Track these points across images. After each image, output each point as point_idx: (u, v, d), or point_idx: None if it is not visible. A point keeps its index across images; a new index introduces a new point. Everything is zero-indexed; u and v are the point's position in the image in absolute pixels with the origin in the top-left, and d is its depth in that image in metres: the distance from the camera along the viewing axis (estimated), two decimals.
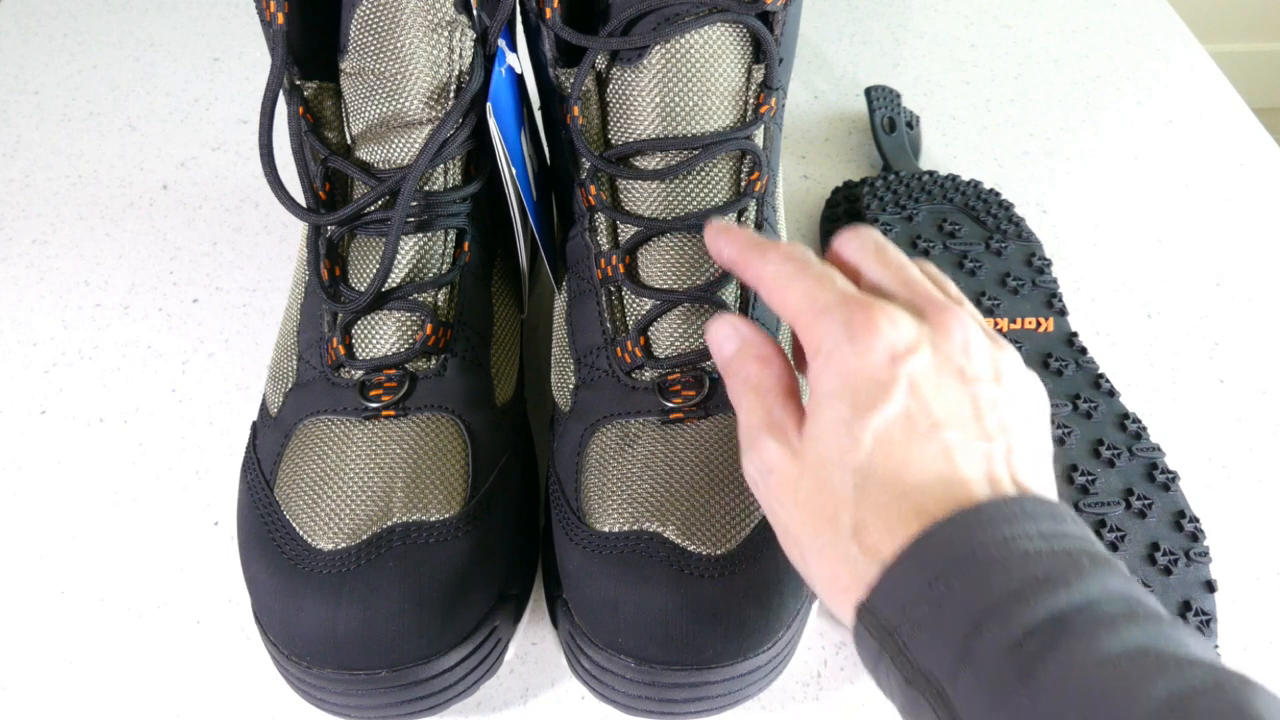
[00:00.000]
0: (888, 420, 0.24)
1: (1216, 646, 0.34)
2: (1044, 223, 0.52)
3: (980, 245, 0.46)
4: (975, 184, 0.48)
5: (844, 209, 0.49)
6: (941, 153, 0.56)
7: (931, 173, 0.48)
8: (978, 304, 0.43)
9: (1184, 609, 0.35)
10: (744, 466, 0.28)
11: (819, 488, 0.25)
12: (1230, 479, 0.42)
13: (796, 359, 0.30)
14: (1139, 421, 0.40)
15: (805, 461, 0.25)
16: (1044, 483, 0.25)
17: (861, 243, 0.29)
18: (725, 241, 0.30)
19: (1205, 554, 0.36)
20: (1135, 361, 0.46)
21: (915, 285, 0.27)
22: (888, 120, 0.54)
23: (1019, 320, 0.43)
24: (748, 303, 0.35)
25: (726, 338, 0.29)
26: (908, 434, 0.24)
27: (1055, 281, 0.45)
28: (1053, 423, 0.39)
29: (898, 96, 0.56)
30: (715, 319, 0.29)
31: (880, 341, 0.25)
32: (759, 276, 0.28)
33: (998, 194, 0.48)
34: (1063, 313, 0.44)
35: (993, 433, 0.25)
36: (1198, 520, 0.37)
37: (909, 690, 0.22)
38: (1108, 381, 0.41)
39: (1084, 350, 0.42)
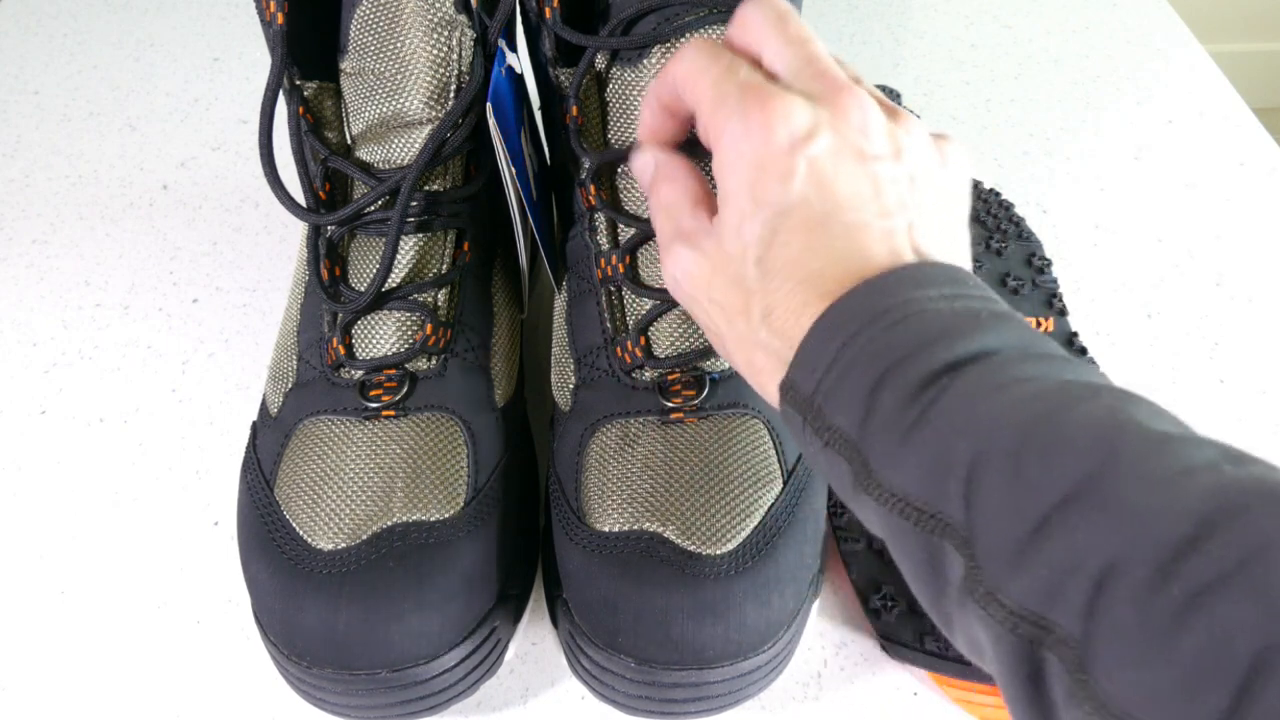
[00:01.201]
0: (786, 209, 0.25)
1: None
2: (1044, 223, 0.52)
3: (980, 245, 0.46)
4: (975, 184, 0.48)
5: None
6: None
7: None
8: None
9: None
10: (665, 277, 0.29)
11: (729, 283, 0.26)
12: None
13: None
14: None
15: (714, 260, 0.26)
16: (952, 251, 0.26)
17: (764, 14, 0.28)
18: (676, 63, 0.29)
19: None
20: (1135, 361, 0.46)
21: (817, 62, 0.27)
22: None
23: None
24: None
25: (644, 166, 0.30)
26: (806, 221, 0.25)
27: (1055, 281, 0.45)
28: None
29: (898, 96, 0.56)
30: (636, 151, 0.30)
31: (776, 132, 0.25)
32: (674, 75, 0.28)
33: (998, 194, 0.48)
34: (1063, 313, 0.44)
35: (892, 209, 0.25)
36: None
37: (827, 452, 0.23)
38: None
39: (1084, 350, 0.42)
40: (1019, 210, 0.51)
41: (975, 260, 0.45)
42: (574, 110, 0.34)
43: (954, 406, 0.20)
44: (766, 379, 0.26)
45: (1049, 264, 0.45)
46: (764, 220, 0.25)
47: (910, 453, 0.21)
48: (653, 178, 0.29)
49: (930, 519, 0.21)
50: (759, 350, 0.25)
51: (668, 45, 0.32)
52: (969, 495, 0.20)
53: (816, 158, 0.25)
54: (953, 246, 0.26)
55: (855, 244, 0.24)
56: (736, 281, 0.26)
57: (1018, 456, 0.19)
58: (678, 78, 0.28)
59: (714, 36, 0.32)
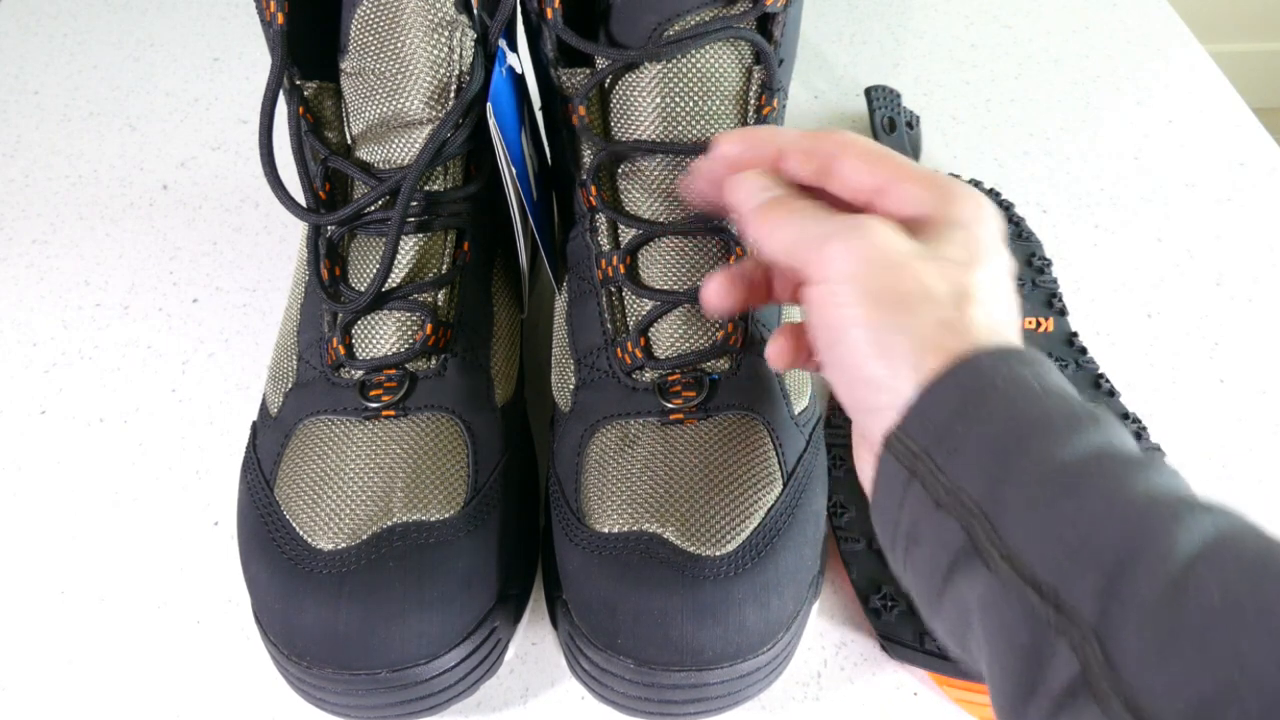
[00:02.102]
0: (1005, 269, 0.26)
1: None
2: (1044, 223, 0.52)
3: None
4: (975, 184, 0.48)
5: None
6: (941, 153, 0.56)
7: None
8: None
9: None
10: (825, 250, 0.25)
11: (893, 287, 0.24)
12: (1230, 479, 0.42)
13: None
14: (1139, 421, 0.40)
15: (918, 248, 0.25)
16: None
17: (843, 145, 0.27)
18: (703, 176, 0.30)
19: None
20: (1135, 361, 0.46)
21: (930, 178, 0.27)
22: (888, 120, 0.54)
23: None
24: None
25: (750, 192, 0.28)
26: (1001, 283, 0.26)
27: (1055, 281, 0.45)
28: None
29: (898, 96, 0.56)
30: (732, 182, 0.29)
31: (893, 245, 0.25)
32: (742, 216, 0.28)
33: (998, 194, 0.48)
34: (1063, 313, 0.44)
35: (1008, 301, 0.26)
36: None
37: (937, 514, 0.22)
38: (1108, 381, 0.41)
39: (1084, 350, 0.42)
40: (1019, 210, 0.51)
41: None
42: (580, 110, 0.34)
43: (1104, 495, 0.20)
44: (870, 415, 0.25)
45: (1049, 264, 0.45)
46: (1000, 264, 0.26)
47: (1049, 526, 0.20)
48: (772, 201, 0.27)
49: (1053, 606, 0.19)
50: (880, 387, 0.24)
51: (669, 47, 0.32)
52: (1112, 589, 0.19)
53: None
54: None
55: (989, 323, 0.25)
56: (900, 296, 0.24)
57: (1185, 569, 0.18)
58: (749, 220, 0.27)
59: (717, 44, 0.32)
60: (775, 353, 0.30)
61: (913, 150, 0.53)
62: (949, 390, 0.23)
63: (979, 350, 0.23)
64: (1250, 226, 0.52)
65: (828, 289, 0.25)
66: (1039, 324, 0.43)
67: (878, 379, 0.24)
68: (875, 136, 0.53)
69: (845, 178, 0.27)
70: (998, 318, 0.25)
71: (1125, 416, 0.40)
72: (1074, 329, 0.43)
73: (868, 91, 0.56)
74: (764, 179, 0.28)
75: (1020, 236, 0.46)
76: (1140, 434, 0.39)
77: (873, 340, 0.24)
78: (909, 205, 0.26)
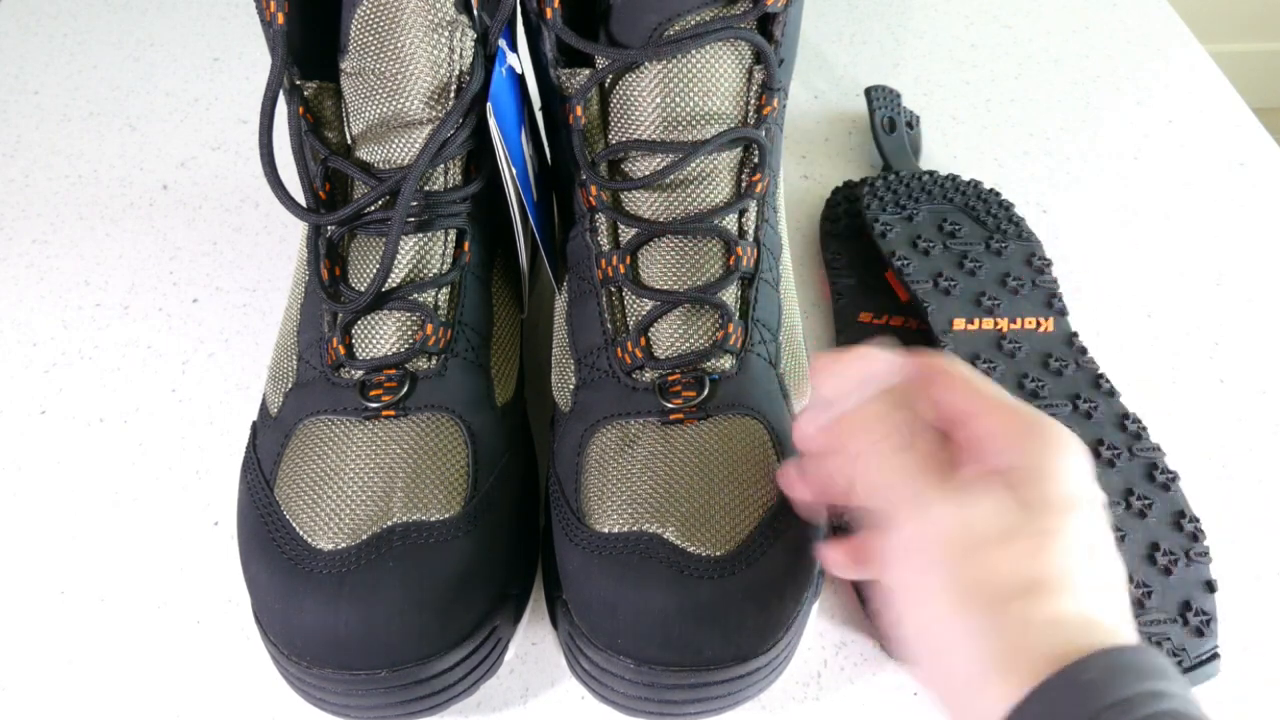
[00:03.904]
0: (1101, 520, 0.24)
1: (1216, 647, 0.34)
2: (1044, 223, 0.52)
3: (980, 245, 0.46)
4: (975, 184, 0.48)
5: (844, 209, 0.49)
6: (941, 153, 0.56)
7: (931, 173, 0.48)
8: (977, 304, 0.43)
9: (1184, 609, 0.35)
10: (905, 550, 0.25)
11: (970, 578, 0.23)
12: (1230, 479, 0.42)
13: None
14: (1139, 421, 0.40)
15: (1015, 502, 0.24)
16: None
17: (965, 388, 0.27)
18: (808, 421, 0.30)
19: (1205, 554, 0.36)
20: (1135, 361, 0.46)
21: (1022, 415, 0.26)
22: (888, 120, 0.54)
23: (1019, 320, 0.43)
24: (748, 305, 0.35)
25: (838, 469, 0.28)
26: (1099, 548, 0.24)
27: (1055, 281, 0.45)
28: None
29: (898, 96, 0.56)
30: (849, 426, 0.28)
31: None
32: (852, 457, 0.27)
33: (998, 194, 0.48)
34: (1063, 313, 0.44)
35: (1113, 582, 0.25)
36: (1198, 520, 0.37)
37: None
38: (1108, 381, 0.41)
39: (1084, 350, 0.42)
40: (1019, 210, 0.51)
41: (975, 260, 0.45)
42: (577, 110, 0.34)
43: None
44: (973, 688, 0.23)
45: (1049, 264, 0.45)
46: (1087, 521, 0.24)
47: None
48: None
49: None
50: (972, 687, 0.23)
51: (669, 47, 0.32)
52: None
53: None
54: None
55: (1094, 609, 0.23)
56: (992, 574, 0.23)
57: None
58: (855, 462, 0.27)
59: (717, 44, 0.32)
60: (834, 563, 0.30)
61: (913, 150, 0.53)
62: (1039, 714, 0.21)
63: (1098, 652, 0.21)
64: (1250, 226, 0.52)
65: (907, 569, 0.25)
66: (1039, 324, 0.43)
67: (958, 685, 0.23)
68: (875, 136, 0.53)
69: (936, 400, 0.27)
70: (1088, 602, 0.23)
71: (1125, 416, 0.40)
72: (1074, 329, 0.43)
73: (868, 91, 0.56)
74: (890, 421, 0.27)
75: (1020, 236, 0.46)
76: (1140, 434, 0.39)
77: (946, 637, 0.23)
78: (988, 442, 0.26)
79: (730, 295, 0.34)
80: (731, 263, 0.34)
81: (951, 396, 0.27)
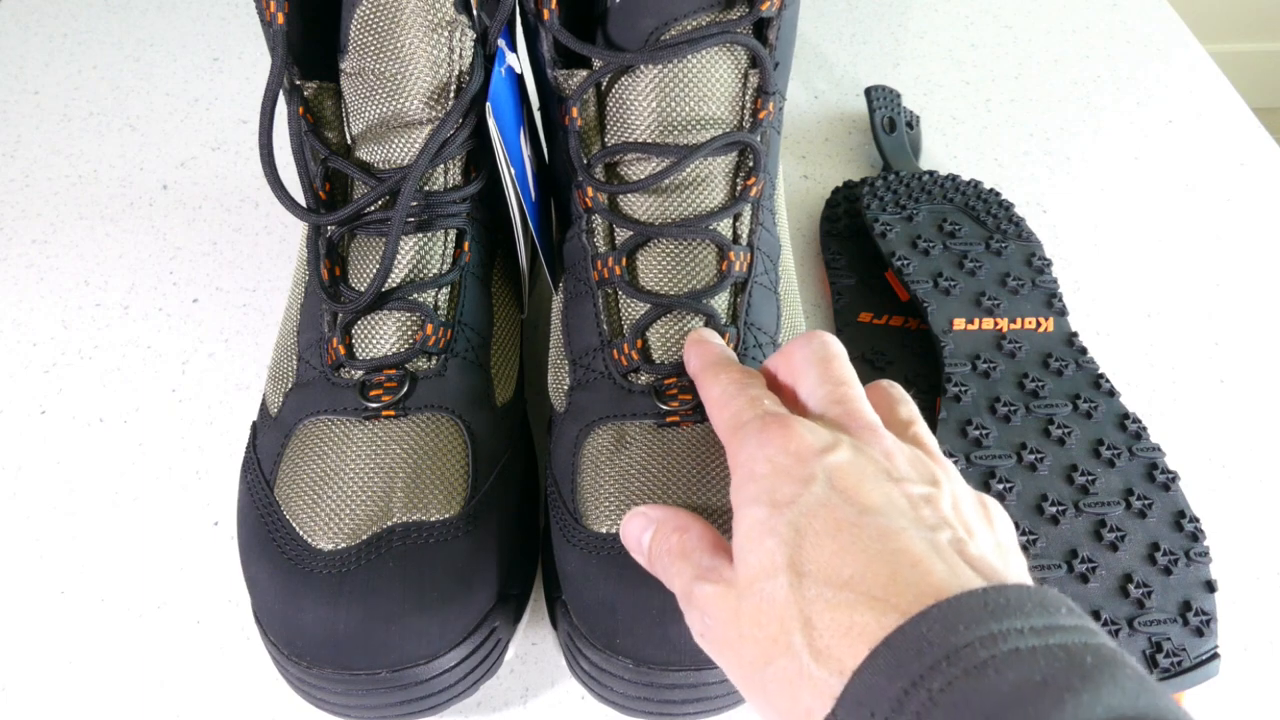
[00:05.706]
0: (809, 509, 0.23)
1: (1216, 647, 0.34)
2: (1044, 223, 0.52)
3: (980, 245, 0.46)
4: (975, 184, 0.48)
5: (844, 209, 0.49)
6: (941, 153, 0.56)
7: (931, 173, 0.48)
8: (977, 304, 0.43)
9: (1184, 609, 0.35)
10: (690, 629, 0.26)
11: (758, 607, 0.23)
12: (1230, 479, 0.42)
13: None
14: (1139, 421, 0.40)
15: (739, 587, 0.23)
16: (1017, 572, 0.23)
17: (811, 350, 0.28)
18: (692, 355, 0.31)
19: (1205, 554, 0.36)
20: (1135, 361, 0.46)
21: (849, 403, 0.27)
22: (888, 120, 0.54)
23: (1019, 320, 0.43)
24: (741, 310, 0.34)
25: (641, 528, 0.28)
26: (835, 522, 0.22)
27: (1055, 281, 0.45)
28: (1052, 423, 0.39)
29: (898, 96, 0.56)
30: (626, 518, 0.29)
31: (793, 444, 0.24)
32: (706, 398, 0.29)
33: (998, 194, 0.48)
34: (1063, 313, 0.44)
35: (932, 522, 0.23)
36: (1198, 520, 0.37)
37: None
38: (1108, 381, 0.41)
39: (1084, 350, 0.42)
40: (1019, 210, 0.51)
41: (975, 260, 0.45)
42: (573, 111, 0.34)
43: None
44: None
45: (1049, 264, 0.45)
46: (787, 521, 0.23)
47: None
48: (655, 535, 0.27)
49: None
50: (803, 684, 0.21)
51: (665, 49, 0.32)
52: None
53: (837, 465, 0.24)
54: (1019, 568, 0.23)
55: (898, 547, 0.21)
56: (764, 603, 0.22)
57: None
58: (708, 400, 0.29)
59: (713, 48, 0.32)
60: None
61: (913, 150, 0.53)
62: (884, 673, 0.19)
63: (932, 606, 0.20)
64: (1250, 226, 0.52)
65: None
66: (1039, 324, 0.43)
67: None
68: (875, 136, 0.53)
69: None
70: (978, 544, 0.22)
71: (1125, 416, 0.40)
72: (1074, 329, 0.43)
73: (868, 91, 0.56)
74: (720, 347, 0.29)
75: (1020, 236, 0.46)
76: (1140, 434, 0.39)
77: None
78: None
79: (721, 301, 0.34)
80: (724, 268, 0.34)
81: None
